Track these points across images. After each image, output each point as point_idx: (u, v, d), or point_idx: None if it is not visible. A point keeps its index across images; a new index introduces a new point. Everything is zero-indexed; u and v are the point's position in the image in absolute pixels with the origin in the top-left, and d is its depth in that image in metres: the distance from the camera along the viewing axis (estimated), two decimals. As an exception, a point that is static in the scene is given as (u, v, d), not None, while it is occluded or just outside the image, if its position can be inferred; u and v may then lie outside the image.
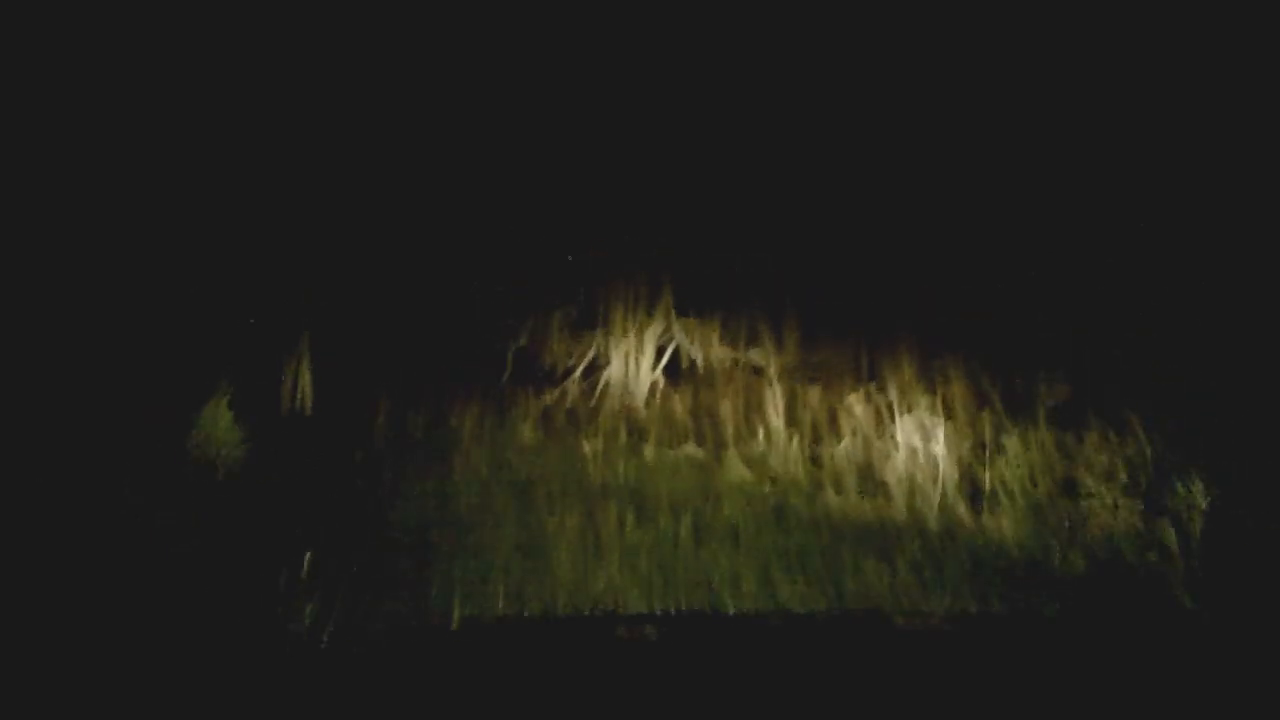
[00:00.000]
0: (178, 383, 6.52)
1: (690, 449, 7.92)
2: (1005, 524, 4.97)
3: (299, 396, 8.93)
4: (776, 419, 8.17)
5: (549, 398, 9.15)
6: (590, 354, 9.78)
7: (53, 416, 6.25)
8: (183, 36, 7.81)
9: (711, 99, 8.68)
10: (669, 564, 4.34)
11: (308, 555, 3.88)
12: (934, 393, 7.35)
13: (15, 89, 7.44)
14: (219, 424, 5.85)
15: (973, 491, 5.44)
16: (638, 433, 8.31)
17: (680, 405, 9.32)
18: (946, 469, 5.49)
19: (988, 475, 5.42)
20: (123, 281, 8.33)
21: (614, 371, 9.79)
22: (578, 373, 9.61)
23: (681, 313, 10.01)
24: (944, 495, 5.33)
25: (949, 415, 6.66)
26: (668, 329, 10.04)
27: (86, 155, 7.94)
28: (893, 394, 7.59)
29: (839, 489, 5.94)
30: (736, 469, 6.80)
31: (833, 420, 8.37)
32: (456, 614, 3.73)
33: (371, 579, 4.27)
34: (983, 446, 6.06)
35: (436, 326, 9.67)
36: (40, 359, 7.11)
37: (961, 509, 5.15)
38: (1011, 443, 5.95)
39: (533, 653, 2.11)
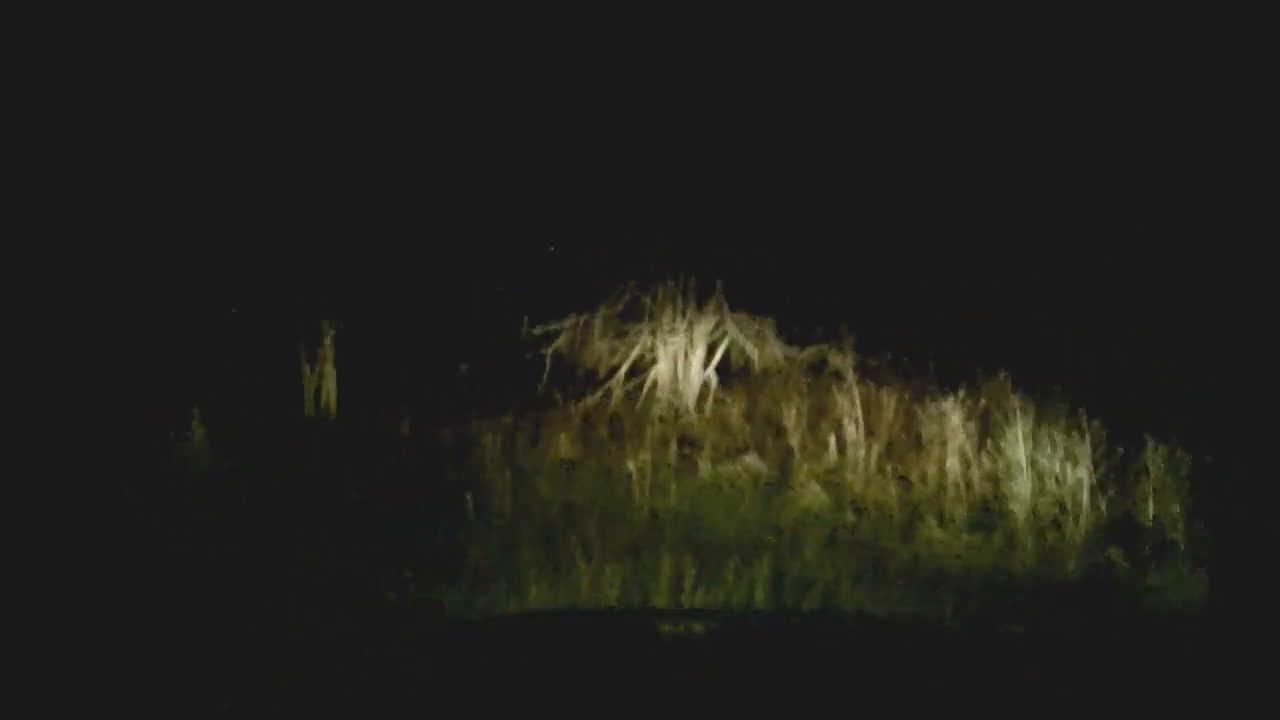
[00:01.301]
0: (169, 393, 6.01)
1: (751, 462, 6.87)
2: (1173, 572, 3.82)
3: (323, 401, 8.10)
4: (852, 427, 7.03)
5: (589, 403, 8.12)
6: (635, 353, 8.77)
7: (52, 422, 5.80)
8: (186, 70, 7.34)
9: (769, 97, 8.00)
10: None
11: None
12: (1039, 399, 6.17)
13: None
14: (196, 435, 5.15)
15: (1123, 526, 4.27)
16: (690, 443, 7.27)
17: (736, 410, 8.22)
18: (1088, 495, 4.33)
19: (1150, 507, 4.23)
20: (126, 287, 7.83)
21: (662, 372, 8.75)
22: (621, 373, 8.62)
23: (734, 307, 8.98)
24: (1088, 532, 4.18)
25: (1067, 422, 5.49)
26: (720, 324, 9.00)
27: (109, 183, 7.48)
28: (989, 398, 6.45)
29: (942, 521, 4.81)
30: (810, 491, 5.67)
31: (909, 426, 7.25)
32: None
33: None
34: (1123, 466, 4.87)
35: (464, 322, 8.80)
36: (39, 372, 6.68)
37: (1114, 552, 3.99)
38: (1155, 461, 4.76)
39: (556, 653, 1.47)
